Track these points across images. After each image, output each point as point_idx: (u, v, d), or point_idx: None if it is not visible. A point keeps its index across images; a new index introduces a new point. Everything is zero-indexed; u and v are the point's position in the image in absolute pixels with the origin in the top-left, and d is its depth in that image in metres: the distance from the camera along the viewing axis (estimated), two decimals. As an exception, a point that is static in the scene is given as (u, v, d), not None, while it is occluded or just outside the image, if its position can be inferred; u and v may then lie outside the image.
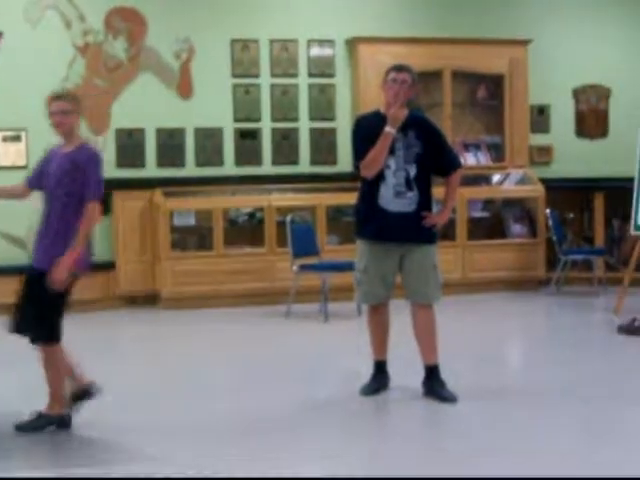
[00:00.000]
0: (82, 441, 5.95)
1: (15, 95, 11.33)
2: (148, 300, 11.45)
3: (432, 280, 6.78)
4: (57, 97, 6.21)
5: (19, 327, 6.09)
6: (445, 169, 6.88)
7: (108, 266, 11.45)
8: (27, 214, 11.29)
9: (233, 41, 12.11)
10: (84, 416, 6.30)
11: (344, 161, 12.29)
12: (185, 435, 6.00)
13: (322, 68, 12.43)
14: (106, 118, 11.72)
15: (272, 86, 12.28)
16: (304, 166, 12.36)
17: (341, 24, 12.37)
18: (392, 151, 6.66)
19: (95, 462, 5.49)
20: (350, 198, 11.85)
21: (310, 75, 12.41)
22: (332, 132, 12.47)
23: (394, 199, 6.68)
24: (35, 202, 11.30)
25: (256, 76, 12.23)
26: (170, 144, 11.93)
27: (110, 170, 11.65)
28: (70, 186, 6.01)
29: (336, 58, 12.45)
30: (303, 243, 10.83)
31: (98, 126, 11.67)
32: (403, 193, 6.67)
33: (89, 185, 6.00)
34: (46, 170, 6.19)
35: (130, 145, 11.81)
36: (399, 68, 6.77)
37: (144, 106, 11.78)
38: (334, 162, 12.44)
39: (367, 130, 6.74)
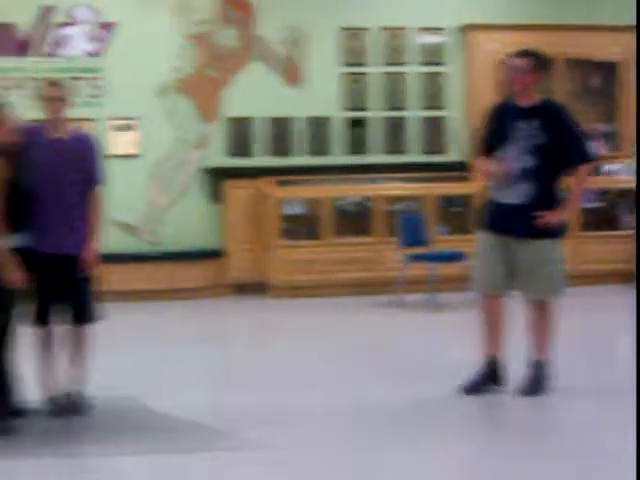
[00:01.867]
0: (182, 425, 6.00)
1: (128, 85, 11.46)
2: (257, 288, 11.48)
3: (543, 276, 6.50)
4: (52, 84, 6.32)
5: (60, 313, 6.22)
6: (570, 161, 6.54)
7: (218, 254, 11.54)
8: (139, 202, 11.50)
9: (342, 29, 12.07)
10: (183, 400, 6.38)
11: (454, 150, 12.18)
12: (286, 422, 6.00)
13: (432, 56, 12.31)
14: (217, 107, 11.79)
15: (381, 74, 12.21)
16: (413, 155, 12.27)
17: (452, 11, 12.22)
18: (511, 140, 6.48)
19: (193, 447, 5.55)
20: (460, 188, 11.87)
21: (420, 63, 12.30)
22: (442, 121, 12.34)
23: (505, 190, 6.51)
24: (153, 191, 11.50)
25: (365, 64, 12.17)
26: (280, 133, 11.95)
27: (221, 159, 11.79)
28: (81, 172, 6.18)
29: (446, 46, 12.31)
30: (412, 233, 10.75)
31: (208, 115, 11.75)
32: (515, 185, 6.48)
33: (96, 171, 6.25)
34: (39, 156, 6.13)
35: (240, 134, 11.86)
36: (516, 54, 6.61)
37: (254, 95, 11.81)
38: (444, 151, 12.32)
39: (493, 122, 6.60)
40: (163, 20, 11.60)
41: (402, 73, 12.26)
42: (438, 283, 10.39)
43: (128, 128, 11.59)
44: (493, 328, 6.69)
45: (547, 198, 6.48)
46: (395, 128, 12.27)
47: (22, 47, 11.41)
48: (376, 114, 12.22)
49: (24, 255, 5.95)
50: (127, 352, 7.50)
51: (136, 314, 10.02)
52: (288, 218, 11.61)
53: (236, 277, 11.57)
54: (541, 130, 6.45)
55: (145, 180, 11.59)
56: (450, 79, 12.31)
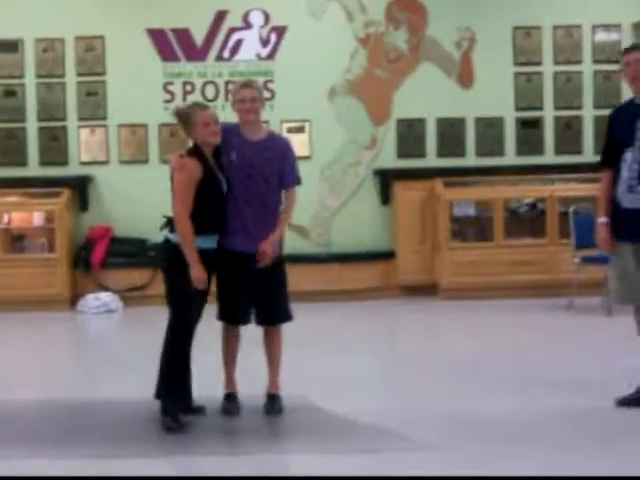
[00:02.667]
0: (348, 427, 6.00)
1: (298, 87, 11.59)
2: (427, 290, 11.42)
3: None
4: (246, 85, 6.34)
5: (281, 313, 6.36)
6: None
7: (388, 255, 11.53)
8: (309, 203, 11.57)
9: (515, 28, 11.90)
10: (352, 400, 6.39)
11: (630, 150, 11.87)
12: (456, 424, 5.96)
13: (608, 54, 12.01)
14: (387, 108, 11.80)
15: (555, 73, 11.99)
16: (588, 155, 11.98)
17: (628, 7, 11.91)
18: (631, 142, 6.09)
19: (363, 448, 5.54)
20: (636, 188, 11.53)
21: (595, 61, 12.02)
22: (618, 120, 12.03)
23: (626, 194, 6.10)
24: (324, 193, 11.57)
25: (538, 64, 11.97)
26: (450, 134, 11.87)
27: (391, 160, 11.79)
28: (277, 173, 6.27)
29: (623, 43, 11.98)
30: (586, 234, 10.48)
31: (379, 116, 11.77)
32: (634, 187, 6.06)
33: (292, 172, 6.37)
34: (236, 157, 6.20)
35: (410, 135, 11.83)
36: (633, 47, 6.25)
37: (424, 96, 11.77)
38: (620, 151, 12.00)
39: (614, 126, 6.26)
40: (333, 22, 11.69)
41: (577, 72, 12.01)
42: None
43: (299, 130, 11.71)
44: None
45: None
46: (569, 128, 12.02)
47: (198, 51, 11.68)
48: (550, 114, 12.01)
49: (209, 256, 6.07)
50: (299, 352, 7.52)
51: (307, 315, 10.08)
52: (458, 220, 11.51)
53: (406, 279, 11.53)
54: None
55: (316, 182, 11.68)
56: (626, 77, 11.98)
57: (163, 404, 6.08)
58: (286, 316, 6.37)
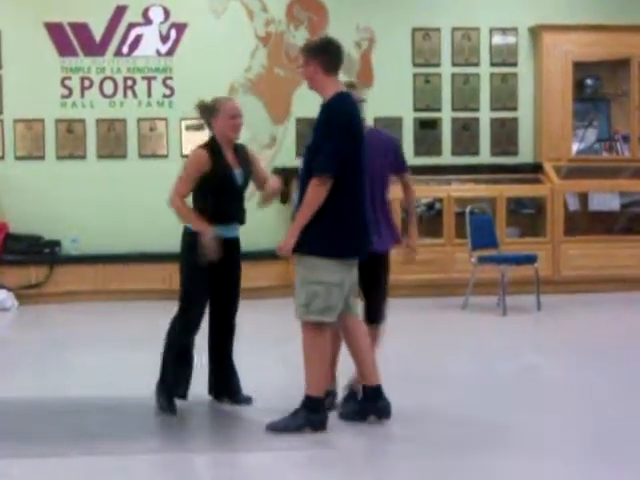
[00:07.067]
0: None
1: (198, 84, 11.51)
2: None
3: (295, 295, 5.84)
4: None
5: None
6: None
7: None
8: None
9: (414, 30, 12.02)
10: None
11: (526, 152, 12.08)
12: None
13: (504, 57, 12.21)
14: (287, 107, 11.81)
15: (453, 75, 12.15)
16: (484, 157, 12.17)
17: (525, 11, 12.11)
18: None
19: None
20: (531, 190, 11.75)
21: (492, 64, 12.21)
22: (514, 122, 12.24)
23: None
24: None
25: (437, 65, 12.12)
26: (350, 133, 11.91)
27: (290, 159, 11.81)
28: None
29: (519, 46, 12.20)
30: (482, 235, 10.66)
31: (278, 115, 11.78)
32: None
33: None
34: None
35: (310, 134, 11.83)
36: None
37: (324, 95, 11.80)
38: (515, 153, 12.21)
39: None
40: (234, 20, 11.67)
41: (474, 74, 12.18)
42: (508, 285, 10.28)
43: (199, 128, 11.63)
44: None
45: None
46: (467, 129, 12.19)
47: (96, 46, 11.54)
48: (448, 115, 12.16)
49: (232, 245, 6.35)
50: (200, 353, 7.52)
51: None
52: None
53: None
54: (312, 130, 5.85)
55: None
56: (522, 80, 12.20)
57: (162, 386, 6.19)
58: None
